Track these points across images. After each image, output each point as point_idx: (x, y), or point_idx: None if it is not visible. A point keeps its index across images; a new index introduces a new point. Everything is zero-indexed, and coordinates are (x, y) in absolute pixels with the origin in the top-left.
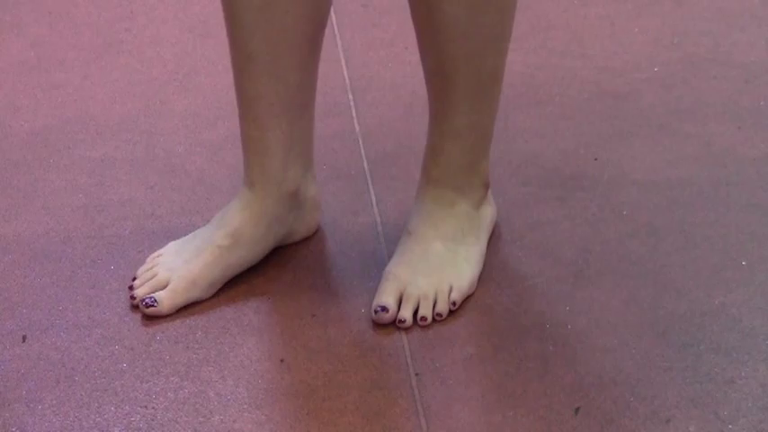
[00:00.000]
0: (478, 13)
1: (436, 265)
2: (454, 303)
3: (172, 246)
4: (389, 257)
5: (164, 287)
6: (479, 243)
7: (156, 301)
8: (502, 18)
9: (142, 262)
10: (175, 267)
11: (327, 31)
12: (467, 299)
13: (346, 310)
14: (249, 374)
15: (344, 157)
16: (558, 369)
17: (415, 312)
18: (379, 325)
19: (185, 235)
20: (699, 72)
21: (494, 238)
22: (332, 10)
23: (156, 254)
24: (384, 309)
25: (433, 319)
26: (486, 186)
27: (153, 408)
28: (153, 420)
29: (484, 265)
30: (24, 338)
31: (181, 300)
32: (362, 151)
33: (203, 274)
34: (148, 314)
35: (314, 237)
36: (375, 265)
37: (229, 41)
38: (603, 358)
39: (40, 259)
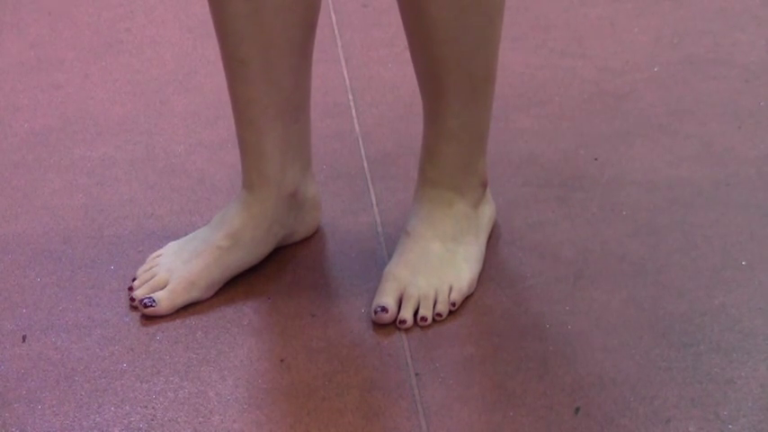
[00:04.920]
0: (466, 16)
1: (436, 265)
2: (454, 303)
3: (171, 246)
4: (389, 257)
5: (163, 287)
6: (478, 242)
7: (154, 301)
8: (490, 21)
9: (142, 262)
10: (174, 268)
11: (327, 31)
12: (466, 299)
13: (346, 310)
14: (249, 374)
15: (344, 157)
16: (558, 369)
17: (415, 312)
18: (379, 325)
19: (185, 235)
20: (699, 72)
21: (493, 238)
22: (332, 10)
23: (155, 254)
24: (384, 309)
25: (433, 319)
26: (484, 185)
27: (153, 408)
28: (153, 420)
29: (484, 265)
30: (24, 338)
31: (179, 300)
32: (362, 151)
33: (202, 275)
34: (147, 314)
35: (314, 237)
36: (375, 265)
37: (220, 48)
38: (603, 358)
39: (40, 259)
